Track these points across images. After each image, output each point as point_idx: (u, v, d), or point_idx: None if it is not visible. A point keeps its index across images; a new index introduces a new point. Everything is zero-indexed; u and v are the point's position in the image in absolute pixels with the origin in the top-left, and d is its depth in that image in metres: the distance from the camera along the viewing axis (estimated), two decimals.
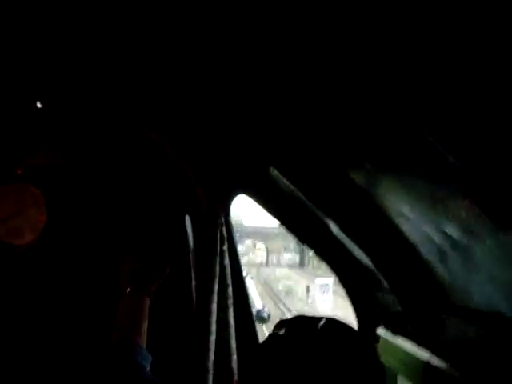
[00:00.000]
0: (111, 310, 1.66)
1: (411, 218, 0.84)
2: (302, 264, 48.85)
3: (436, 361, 1.06)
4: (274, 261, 50.02)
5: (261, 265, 46.13)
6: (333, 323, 0.94)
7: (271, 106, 1.04)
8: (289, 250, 53.75)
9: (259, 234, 48.46)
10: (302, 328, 0.91)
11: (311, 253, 1.74)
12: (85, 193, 1.79)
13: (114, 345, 1.32)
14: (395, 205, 0.87)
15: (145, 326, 1.41)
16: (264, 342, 0.94)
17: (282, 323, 0.95)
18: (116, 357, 1.27)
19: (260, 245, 55.32)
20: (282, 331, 0.91)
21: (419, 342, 1.18)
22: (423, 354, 1.13)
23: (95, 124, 1.67)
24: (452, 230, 0.73)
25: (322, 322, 0.92)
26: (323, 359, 0.85)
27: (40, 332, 1.72)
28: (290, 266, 48.81)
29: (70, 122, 1.67)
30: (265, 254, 52.85)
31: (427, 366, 1.09)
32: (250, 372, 0.94)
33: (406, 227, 0.89)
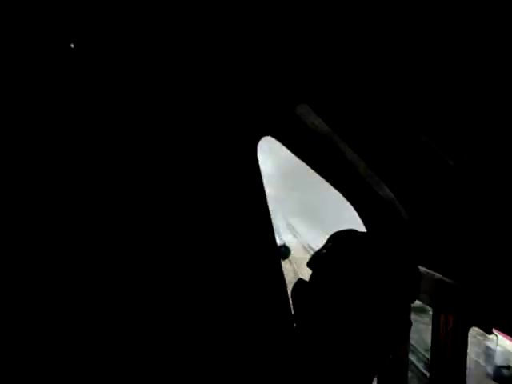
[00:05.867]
0: None
1: (432, 148, 0.93)
2: None
3: (448, 281, 1.19)
4: None
5: None
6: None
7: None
8: None
9: None
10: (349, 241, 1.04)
11: None
12: None
13: None
14: (419, 138, 0.96)
15: None
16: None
17: (335, 235, 1.09)
18: None
19: None
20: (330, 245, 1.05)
21: (432, 267, 1.30)
22: (436, 276, 1.25)
23: None
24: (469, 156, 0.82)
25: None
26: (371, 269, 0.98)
27: None
28: None
29: None
30: None
31: (440, 287, 1.22)
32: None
33: (426, 158, 0.99)
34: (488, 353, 10.62)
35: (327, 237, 1.11)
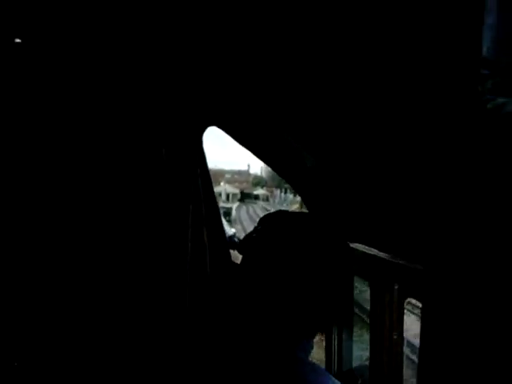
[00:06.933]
0: None
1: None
2: None
3: (382, 254, 1.26)
4: None
5: None
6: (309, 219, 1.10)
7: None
8: None
9: None
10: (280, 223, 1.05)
11: None
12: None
13: None
14: None
15: None
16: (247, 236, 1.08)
17: (265, 218, 1.10)
18: None
19: None
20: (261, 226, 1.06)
21: (369, 244, 1.38)
22: (371, 251, 1.33)
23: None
24: None
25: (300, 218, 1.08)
26: (299, 250, 0.99)
27: None
28: None
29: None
30: None
31: (375, 260, 1.30)
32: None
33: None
34: None
35: None
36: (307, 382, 0.95)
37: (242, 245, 1.08)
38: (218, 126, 2.03)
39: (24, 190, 1.76)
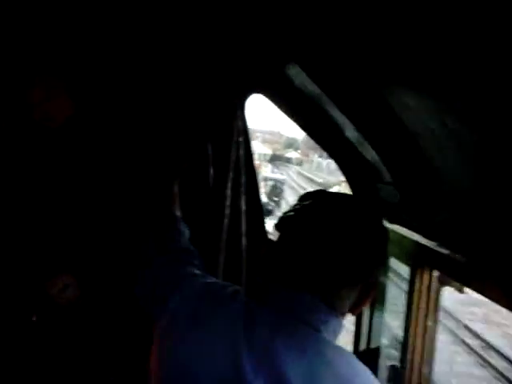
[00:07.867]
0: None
1: (415, 110, 0.98)
2: None
3: (425, 241, 1.24)
4: None
5: None
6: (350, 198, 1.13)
7: None
8: None
9: None
10: (326, 200, 1.06)
11: None
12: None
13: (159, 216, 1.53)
14: (403, 100, 1.00)
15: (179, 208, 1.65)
16: (291, 210, 1.09)
17: (307, 195, 1.11)
18: (161, 223, 1.50)
19: None
20: (308, 202, 1.06)
21: (412, 228, 1.36)
22: (414, 236, 1.31)
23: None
24: (449, 120, 0.87)
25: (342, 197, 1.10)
26: (343, 229, 0.99)
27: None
28: None
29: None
30: None
31: (418, 246, 1.28)
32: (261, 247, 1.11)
33: (409, 120, 1.04)
34: None
35: None
36: (334, 366, 0.93)
37: (279, 223, 1.09)
38: (263, 94, 2.00)
39: None
